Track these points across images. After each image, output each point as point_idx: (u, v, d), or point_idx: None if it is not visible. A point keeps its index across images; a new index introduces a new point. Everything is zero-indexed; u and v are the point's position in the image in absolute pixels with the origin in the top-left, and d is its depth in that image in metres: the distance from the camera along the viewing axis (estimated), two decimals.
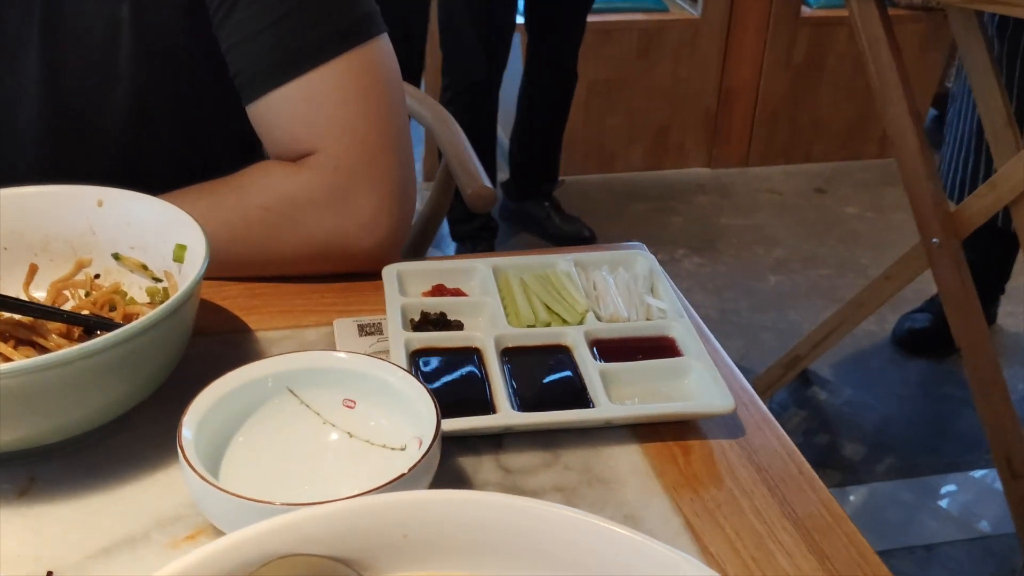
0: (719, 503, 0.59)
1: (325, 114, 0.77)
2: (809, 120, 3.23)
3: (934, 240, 1.67)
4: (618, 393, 0.66)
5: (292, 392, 0.60)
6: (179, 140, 0.89)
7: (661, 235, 2.86)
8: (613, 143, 3.14)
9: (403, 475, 0.50)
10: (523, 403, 0.65)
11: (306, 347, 0.73)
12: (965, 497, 1.96)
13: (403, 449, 0.58)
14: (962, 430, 2.11)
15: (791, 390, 2.22)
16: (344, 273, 0.81)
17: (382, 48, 0.80)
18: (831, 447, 2.07)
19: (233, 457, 0.57)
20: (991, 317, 2.39)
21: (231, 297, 0.78)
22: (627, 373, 0.67)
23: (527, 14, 2.59)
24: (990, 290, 2.27)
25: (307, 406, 0.60)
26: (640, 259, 0.80)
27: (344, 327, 0.75)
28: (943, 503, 1.94)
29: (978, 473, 2.00)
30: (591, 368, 0.67)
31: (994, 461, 1.70)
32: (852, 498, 1.94)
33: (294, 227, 0.77)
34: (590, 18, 3.00)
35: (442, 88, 2.52)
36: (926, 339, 2.33)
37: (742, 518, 0.58)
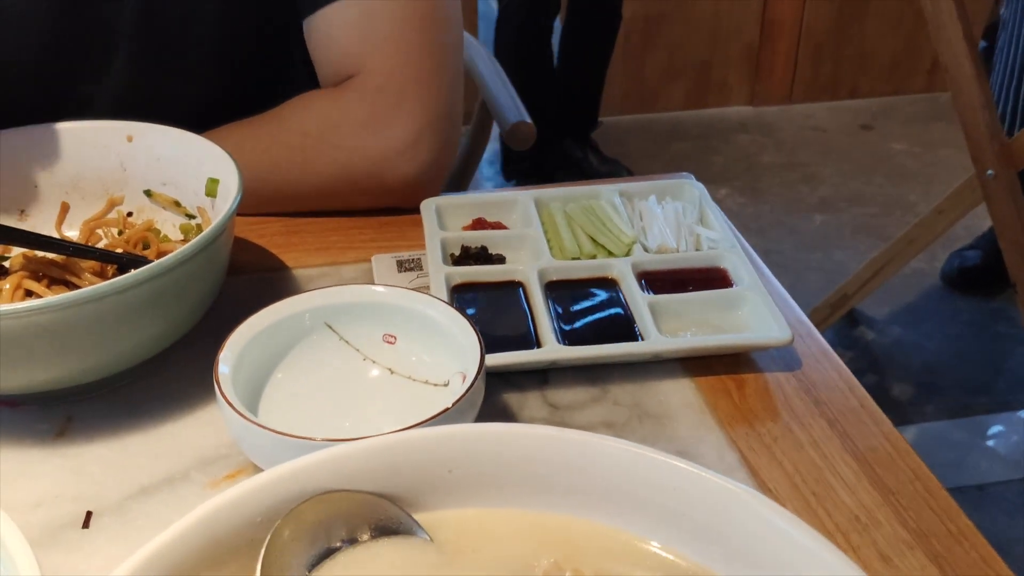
0: (776, 437, 0.56)
1: (380, 30, 0.74)
2: (855, 53, 3.12)
3: (989, 172, 1.61)
4: (668, 326, 0.64)
5: (331, 327, 0.58)
6: (262, 68, 0.86)
7: (703, 175, 2.77)
8: (653, 81, 3.07)
9: (447, 409, 0.48)
10: (569, 337, 0.62)
11: (344, 284, 0.70)
12: (1017, 436, 1.92)
13: (446, 385, 0.56)
14: (1014, 369, 2.06)
15: (838, 330, 2.17)
16: (382, 208, 0.78)
17: None
18: (880, 387, 2.03)
19: (272, 394, 0.55)
20: None
21: (268, 235, 0.76)
22: (677, 305, 0.64)
23: None
24: None
25: (347, 342, 0.58)
26: (688, 188, 0.77)
27: (383, 263, 0.72)
28: (994, 443, 1.90)
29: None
30: (639, 301, 0.64)
31: None
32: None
33: (333, 151, 0.75)
34: None
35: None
36: (977, 276, 2.26)
37: (801, 452, 0.55)
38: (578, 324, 0.64)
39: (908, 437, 1.92)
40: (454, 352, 0.55)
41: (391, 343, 0.58)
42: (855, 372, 1.84)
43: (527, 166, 2.69)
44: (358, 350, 0.58)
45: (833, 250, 2.47)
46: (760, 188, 2.74)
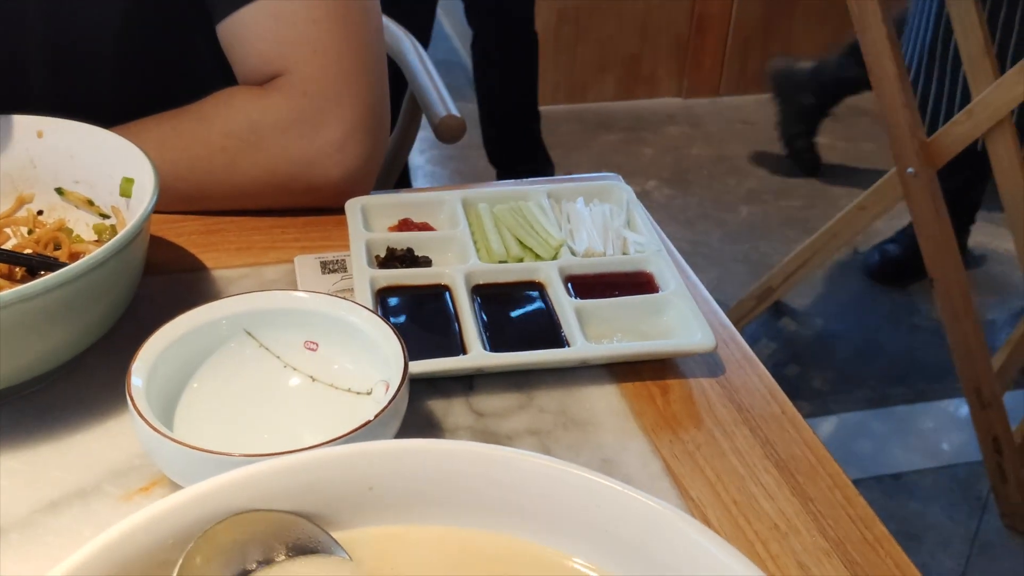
0: (699, 444, 0.57)
1: (297, 32, 0.72)
2: (782, 48, 3.17)
3: (909, 170, 1.65)
4: (594, 331, 0.64)
5: (250, 334, 0.56)
6: (170, 71, 0.83)
7: (632, 166, 2.82)
8: (583, 73, 3.08)
9: (369, 422, 0.47)
10: (495, 343, 0.62)
11: (265, 286, 0.69)
12: (933, 426, 1.98)
13: (369, 393, 0.55)
14: (931, 360, 2.12)
15: (763, 321, 2.21)
16: (308, 208, 0.77)
17: None
18: (802, 378, 2.07)
19: (188, 404, 0.54)
20: (962, 247, 2.39)
21: (187, 234, 0.74)
22: (603, 310, 0.64)
23: None
24: (962, 220, 2.27)
25: (266, 349, 0.57)
26: (616, 190, 0.77)
27: (306, 264, 0.71)
28: (911, 433, 1.96)
29: (946, 403, 2.01)
30: (566, 305, 0.64)
31: (964, 391, 1.71)
32: (822, 429, 1.95)
33: (257, 154, 0.73)
34: None
35: None
36: (897, 269, 2.32)
37: (723, 460, 0.56)
38: (504, 329, 0.63)
39: (828, 427, 1.97)
40: (377, 360, 0.54)
41: (313, 350, 0.57)
42: (778, 363, 1.87)
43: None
44: (278, 357, 0.57)
45: (759, 241, 2.51)
46: (688, 180, 2.77)
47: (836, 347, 2.16)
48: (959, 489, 1.82)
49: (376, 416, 0.48)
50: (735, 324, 2.09)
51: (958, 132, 1.60)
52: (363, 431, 0.47)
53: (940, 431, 1.96)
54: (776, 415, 0.59)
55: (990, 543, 1.71)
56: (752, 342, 2.13)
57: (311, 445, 0.43)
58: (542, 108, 2.90)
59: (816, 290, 2.33)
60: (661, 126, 3.05)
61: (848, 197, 2.36)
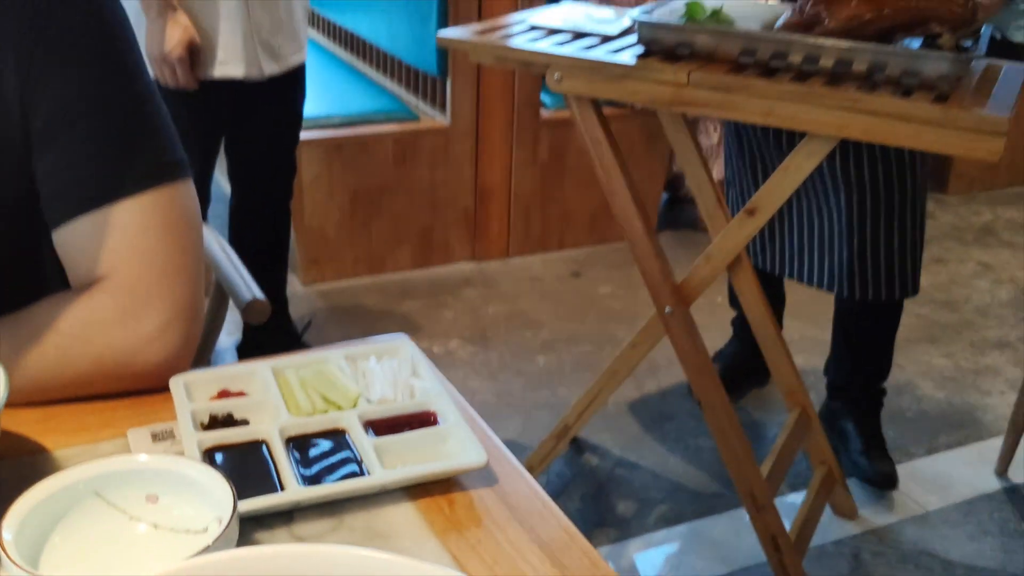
0: (479, 539, 0.71)
1: (126, 239, 0.86)
2: (559, 211, 3.52)
3: (667, 309, 1.90)
4: (391, 462, 0.78)
5: (99, 495, 0.67)
6: (12, 274, 0.93)
7: (435, 329, 3.01)
8: (380, 246, 3.29)
9: (207, 547, 0.59)
10: (309, 480, 0.75)
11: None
12: (725, 534, 2.19)
13: (205, 531, 0.66)
14: (718, 473, 2.35)
15: (567, 459, 2.39)
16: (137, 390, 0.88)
17: (186, 190, 0.90)
18: (607, 507, 2.25)
19: (49, 562, 0.64)
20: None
21: (24, 423, 0.83)
22: (397, 444, 0.79)
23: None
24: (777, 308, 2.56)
25: (114, 506, 0.67)
26: (403, 346, 0.92)
27: (138, 436, 0.82)
28: (707, 542, 2.16)
29: (733, 512, 2.24)
30: (366, 444, 0.78)
31: (740, 498, 1.93)
32: (627, 552, 2.12)
33: (87, 348, 0.84)
34: (347, 131, 3.17)
35: None
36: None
37: (499, 549, 0.70)
38: (316, 469, 0.77)
39: (633, 548, 2.15)
40: (211, 502, 0.66)
41: (154, 502, 0.68)
42: (584, 496, 2.09)
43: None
44: (124, 511, 0.68)
45: (557, 387, 2.72)
46: (488, 336, 2.98)
47: (634, 474, 2.37)
48: None
49: (211, 544, 0.60)
50: (539, 463, 2.30)
51: (702, 274, 1.88)
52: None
53: (731, 538, 2.17)
54: (539, 509, 0.75)
55: None
56: (558, 479, 2.31)
57: None
58: (343, 283, 3.06)
59: (611, 425, 2.55)
60: (458, 289, 3.28)
61: (630, 340, 2.62)
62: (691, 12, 1.69)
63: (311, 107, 2.69)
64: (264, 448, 0.78)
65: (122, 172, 0.86)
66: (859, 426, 2.38)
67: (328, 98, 3.33)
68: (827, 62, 1.58)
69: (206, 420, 0.81)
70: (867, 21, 1.59)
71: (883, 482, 2.31)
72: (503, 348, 2.92)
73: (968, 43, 1.65)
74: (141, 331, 0.86)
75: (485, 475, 0.78)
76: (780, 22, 1.67)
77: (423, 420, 0.83)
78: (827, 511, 2.22)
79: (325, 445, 0.79)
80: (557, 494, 2.28)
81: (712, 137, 3.51)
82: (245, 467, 0.77)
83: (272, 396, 0.84)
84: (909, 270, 2.18)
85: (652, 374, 2.76)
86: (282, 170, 2.56)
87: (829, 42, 1.57)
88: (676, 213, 3.93)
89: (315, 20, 4.43)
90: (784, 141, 2.12)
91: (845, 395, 2.42)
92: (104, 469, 0.67)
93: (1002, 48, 4.04)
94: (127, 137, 0.87)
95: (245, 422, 0.82)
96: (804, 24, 1.64)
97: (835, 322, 2.44)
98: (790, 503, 2.26)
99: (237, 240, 2.60)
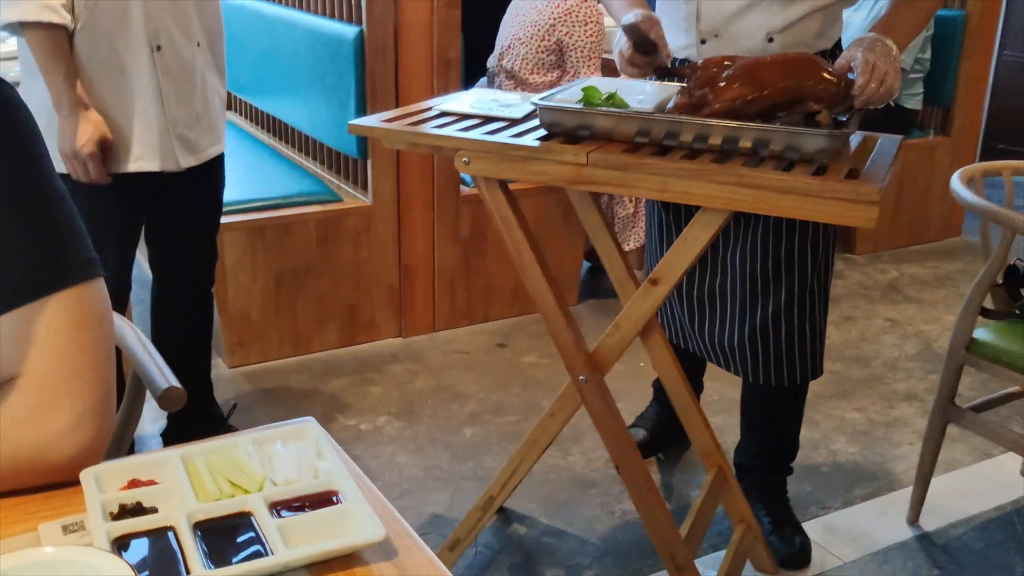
0: None
1: (38, 340, 0.89)
2: (482, 284, 3.59)
3: (581, 377, 1.97)
4: (295, 541, 0.82)
5: None
6: None
7: (362, 406, 3.03)
8: (306, 326, 3.32)
9: None
10: (216, 562, 0.78)
11: None
12: None
13: None
14: (643, 537, 2.40)
15: (494, 529, 2.42)
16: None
17: (96, 288, 0.94)
18: (536, 575, 2.28)
19: None
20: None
21: None
22: (300, 524, 0.83)
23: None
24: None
25: None
26: (309, 429, 0.97)
27: (49, 530, 0.85)
28: None
29: (658, 574, 2.28)
30: (270, 525, 0.82)
31: (662, 561, 1.98)
32: None
33: (1, 445, 0.87)
34: (270, 214, 3.22)
35: None
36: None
37: None
38: (222, 551, 0.80)
39: None
40: None
41: None
42: (512, 566, 2.15)
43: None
44: None
45: (484, 458, 2.76)
46: (415, 411, 3.01)
47: (561, 542, 2.41)
48: None
49: None
50: (466, 536, 2.34)
51: (612, 342, 1.96)
52: None
53: None
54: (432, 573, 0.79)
55: None
56: (486, 550, 2.34)
57: None
58: (270, 364, 3.08)
59: (538, 494, 2.59)
60: (385, 365, 3.31)
61: None
62: (588, 97, 1.79)
63: (233, 191, 2.73)
64: (171, 534, 0.82)
65: (33, 275, 0.90)
66: (767, 507, 2.41)
67: (250, 181, 3.38)
68: (716, 140, 1.68)
69: (116, 510, 0.85)
70: (749, 101, 1.71)
71: (795, 562, 2.32)
72: (430, 422, 2.95)
73: (844, 117, 1.78)
74: (53, 427, 0.89)
75: (385, 550, 0.83)
76: (671, 104, 1.79)
77: (325, 499, 0.87)
78: (748, 567, 2.28)
79: (231, 528, 0.83)
80: (486, 565, 2.30)
81: (628, 207, 3.63)
82: (153, 554, 0.80)
83: (181, 483, 0.87)
84: (808, 354, 2.21)
85: (576, 441, 2.82)
86: (203, 257, 2.59)
87: (717, 122, 1.68)
88: (597, 282, 4.04)
89: (236, 103, 4.49)
90: (683, 213, 2.23)
91: (751, 476, 2.44)
92: (11, 563, 0.70)
93: (896, 114, 4.29)
94: (37, 240, 0.91)
95: (154, 510, 0.86)
96: (693, 105, 1.75)
97: (741, 403, 2.47)
98: (712, 560, 2.31)
99: (160, 327, 2.62)
